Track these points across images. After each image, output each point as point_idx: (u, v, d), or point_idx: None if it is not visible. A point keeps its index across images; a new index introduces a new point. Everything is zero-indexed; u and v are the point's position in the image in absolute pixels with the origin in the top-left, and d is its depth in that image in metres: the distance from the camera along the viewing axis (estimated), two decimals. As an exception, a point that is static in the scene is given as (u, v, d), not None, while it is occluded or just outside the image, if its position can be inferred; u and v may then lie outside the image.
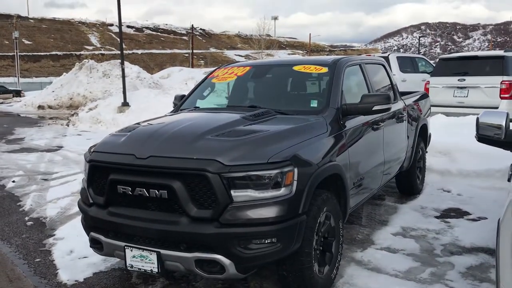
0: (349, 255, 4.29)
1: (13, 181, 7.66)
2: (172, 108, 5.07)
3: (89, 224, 3.54)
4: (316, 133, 3.66)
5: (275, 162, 3.05)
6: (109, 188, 3.31)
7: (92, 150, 3.63)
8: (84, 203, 3.62)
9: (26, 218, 5.70)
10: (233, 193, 2.99)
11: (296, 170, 3.11)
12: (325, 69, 4.48)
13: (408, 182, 6.17)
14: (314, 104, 4.27)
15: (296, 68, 4.68)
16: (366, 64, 5.07)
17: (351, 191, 4.01)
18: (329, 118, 3.93)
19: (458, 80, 10.38)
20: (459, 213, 5.53)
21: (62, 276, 4.02)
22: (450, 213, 5.53)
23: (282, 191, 3.05)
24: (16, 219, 5.69)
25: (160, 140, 3.31)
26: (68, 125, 17.63)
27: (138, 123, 4.11)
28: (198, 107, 4.74)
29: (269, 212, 3.00)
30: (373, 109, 4.09)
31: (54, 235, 5.06)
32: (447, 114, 9.27)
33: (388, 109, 4.32)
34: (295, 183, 3.10)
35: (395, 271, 3.94)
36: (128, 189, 3.21)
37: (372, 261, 4.15)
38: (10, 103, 37.72)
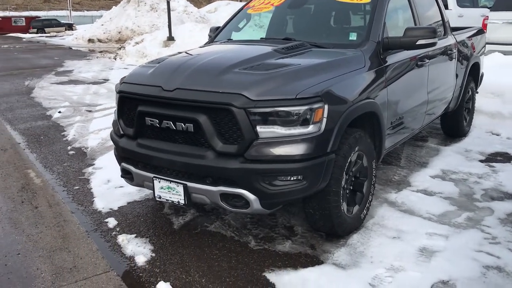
0: (383, 196, 4.17)
1: (59, 112, 7.91)
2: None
3: (120, 155, 3.58)
4: (352, 68, 3.45)
5: (304, 98, 2.91)
6: (138, 120, 3.30)
7: (121, 81, 3.61)
8: (116, 134, 3.65)
9: (69, 148, 5.90)
10: (259, 129, 2.90)
11: (326, 106, 2.97)
12: (367, -1, 4.16)
13: (454, 123, 5.86)
14: (353, 37, 4.01)
15: None
16: (414, -6, 4.67)
17: (387, 131, 3.84)
18: (368, 52, 3.69)
19: (521, 15, 9.54)
20: (506, 158, 5.23)
21: (98, 204, 4.16)
22: (497, 157, 5.25)
23: (310, 128, 2.93)
24: (60, 148, 5.90)
25: (187, 73, 3.21)
26: (115, 59, 17.88)
27: (169, 55, 4.03)
28: (231, 39, 4.58)
29: (296, 150, 2.90)
30: (417, 43, 3.80)
31: (94, 164, 5.22)
32: (505, 53, 8.59)
33: (434, 43, 4.00)
34: (324, 120, 2.97)
35: (428, 214, 3.81)
36: (155, 121, 3.19)
37: (406, 203, 4.03)
38: (62, 36, 38.61)
